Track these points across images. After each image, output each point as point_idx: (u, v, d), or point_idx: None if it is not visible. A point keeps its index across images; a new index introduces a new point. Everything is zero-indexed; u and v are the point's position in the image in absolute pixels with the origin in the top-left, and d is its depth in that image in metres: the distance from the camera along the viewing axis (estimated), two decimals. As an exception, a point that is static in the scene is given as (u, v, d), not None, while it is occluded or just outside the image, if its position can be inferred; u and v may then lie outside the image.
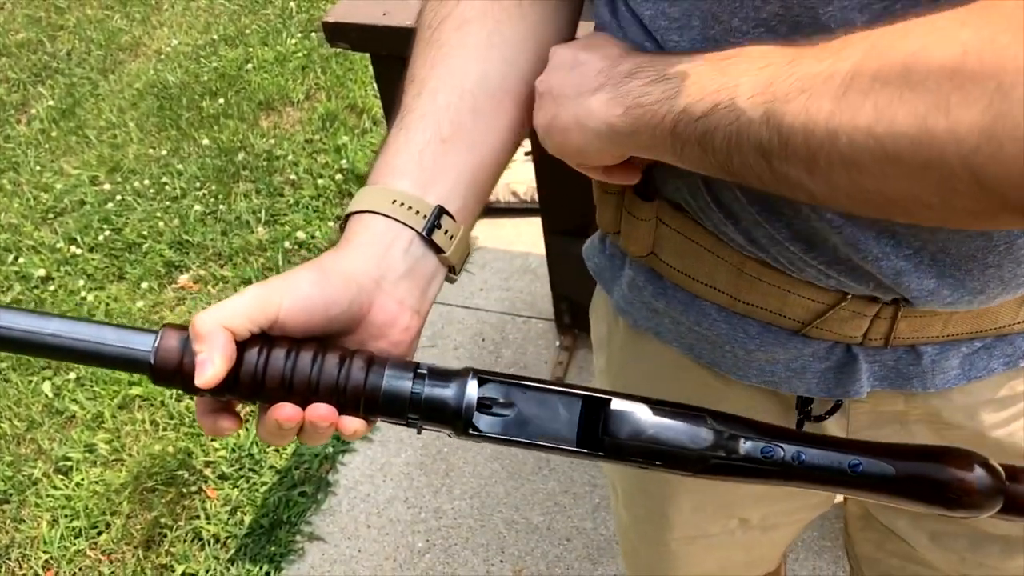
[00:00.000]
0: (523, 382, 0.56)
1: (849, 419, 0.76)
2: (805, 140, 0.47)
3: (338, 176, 2.87)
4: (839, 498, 1.01)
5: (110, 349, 0.55)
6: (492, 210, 2.61)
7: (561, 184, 1.86)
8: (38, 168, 3.16)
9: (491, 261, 2.54)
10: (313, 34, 3.57)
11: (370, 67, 3.31)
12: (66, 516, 2.10)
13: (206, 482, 2.12)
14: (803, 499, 0.92)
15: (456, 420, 0.56)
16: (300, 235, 2.68)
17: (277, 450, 2.16)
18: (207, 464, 2.15)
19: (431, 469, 2.09)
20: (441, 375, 0.57)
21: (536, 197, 2.39)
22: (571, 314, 2.18)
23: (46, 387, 2.38)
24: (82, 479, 2.17)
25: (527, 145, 2.15)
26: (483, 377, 0.56)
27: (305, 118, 3.16)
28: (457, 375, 0.56)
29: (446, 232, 0.62)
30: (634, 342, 0.84)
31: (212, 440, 2.19)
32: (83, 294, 2.62)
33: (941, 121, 0.41)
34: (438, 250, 0.62)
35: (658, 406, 0.56)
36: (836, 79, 0.45)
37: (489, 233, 2.60)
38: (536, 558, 1.89)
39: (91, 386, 2.36)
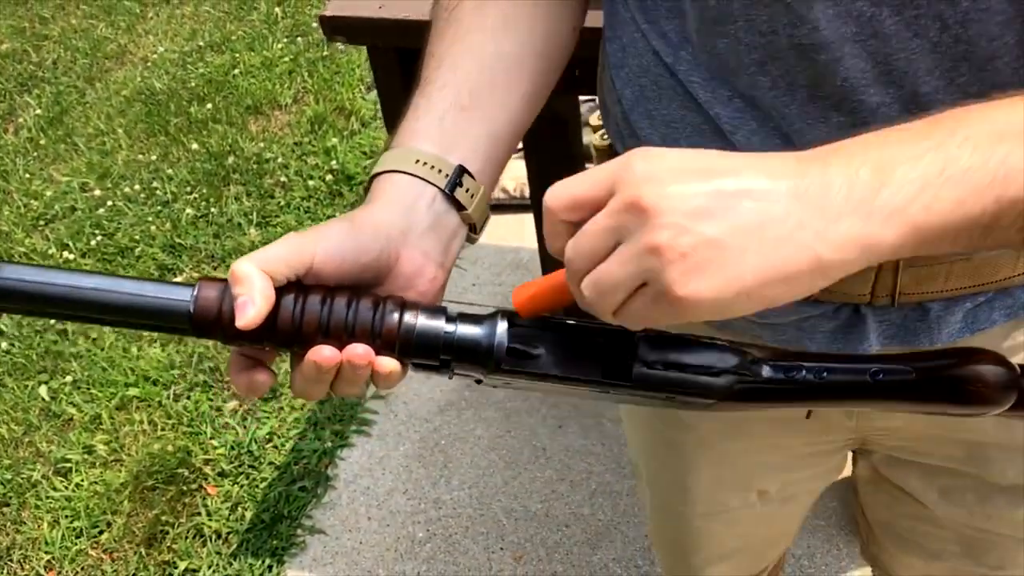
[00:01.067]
0: (551, 319, 0.58)
1: None
2: None
3: (328, 177, 2.89)
4: (848, 469, 1.04)
5: (149, 302, 0.56)
6: (482, 207, 2.63)
7: (551, 176, 1.89)
8: (27, 176, 3.17)
9: (483, 257, 2.57)
10: (299, 38, 3.59)
11: (357, 70, 3.34)
12: (67, 517, 2.11)
13: (206, 479, 2.14)
14: (818, 465, 0.94)
15: (487, 359, 0.58)
16: (292, 236, 2.70)
17: (276, 446, 2.19)
18: (206, 462, 2.17)
19: (429, 461, 2.11)
20: (472, 317, 0.59)
21: (526, 193, 2.43)
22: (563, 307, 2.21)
23: (42, 391, 2.39)
24: (82, 480, 2.18)
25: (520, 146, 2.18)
26: (512, 319, 0.58)
27: (294, 121, 3.19)
28: (488, 317, 0.59)
29: (467, 191, 0.65)
30: None
31: (211, 438, 2.21)
32: (77, 298, 2.63)
33: None
34: (460, 207, 0.65)
35: (682, 337, 0.57)
36: None
37: (480, 230, 2.63)
38: (535, 544, 1.92)
39: (87, 389, 2.38)
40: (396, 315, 0.58)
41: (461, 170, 0.64)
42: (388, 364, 0.58)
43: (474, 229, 0.67)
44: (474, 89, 0.67)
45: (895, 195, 0.46)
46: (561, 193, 0.51)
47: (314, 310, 0.57)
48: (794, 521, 1.08)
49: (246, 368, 0.60)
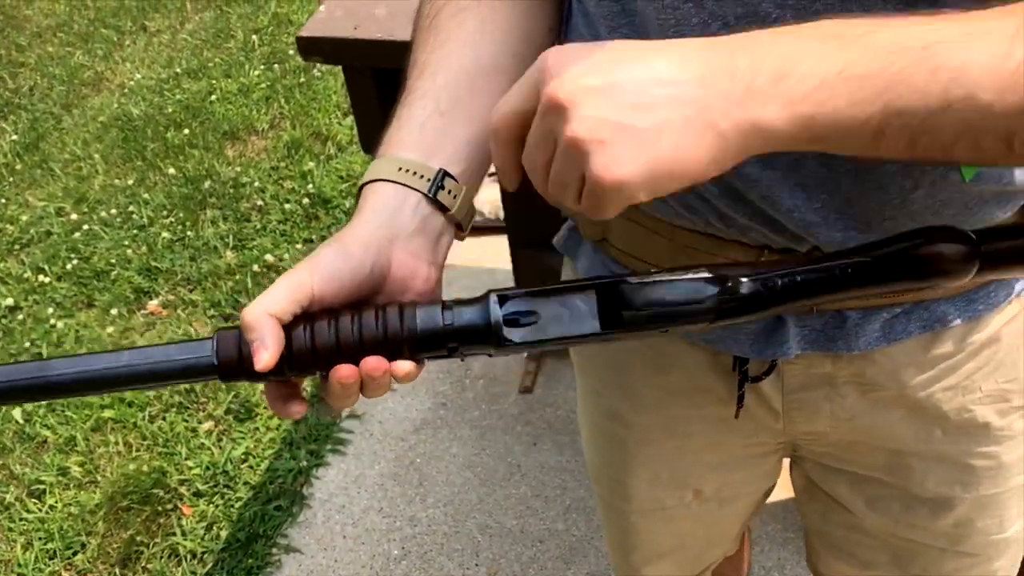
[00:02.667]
0: (539, 288, 0.62)
1: (783, 381, 0.82)
2: None
3: (305, 200, 2.92)
4: (785, 475, 1.06)
5: (179, 364, 0.62)
6: (457, 229, 2.66)
7: (526, 199, 1.93)
8: (3, 201, 3.17)
9: (458, 278, 2.59)
10: (276, 65, 3.63)
11: (334, 96, 3.38)
12: (40, 539, 2.10)
13: (181, 500, 2.14)
14: (753, 468, 0.97)
15: (489, 337, 0.62)
16: (269, 258, 2.72)
17: (251, 466, 2.19)
18: (182, 482, 2.17)
19: (404, 479, 2.13)
20: (465, 303, 0.63)
21: (500, 215, 2.46)
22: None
23: (16, 413, 2.38)
24: (55, 502, 2.17)
25: (491, 167, 2.22)
26: (503, 295, 0.62)
27: (270, 146, 3.21)
28: (479, 300, 0.63)
29: (450, 192, 0.68)
30: None
31: (186, 459, 2.22)
32: (52, 322, 2.64)
33: None
34: (444, 209, 0.68)
35: (663, 274, 0.61)
36: None
37: (455, 252, 2.62)
38: (510, 560, 1.94)
39: (62, 411, 2.37)
40: (397, 320, 0.62)
41: (443, 173, 0.67)
42: (403, 366, 0.62)
43: (461, 227, 0.70)
44: (453, 95, 0.70)
45: (794, 87, 0.49)
46: (500, 111, 0.56)
47: (323, 335, 0.61)
48: (732, 524, 1.10)
49: (281, 398, 0.65)
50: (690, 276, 0.60)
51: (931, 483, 0.85)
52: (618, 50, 0.52)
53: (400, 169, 0.67)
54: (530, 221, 2.01)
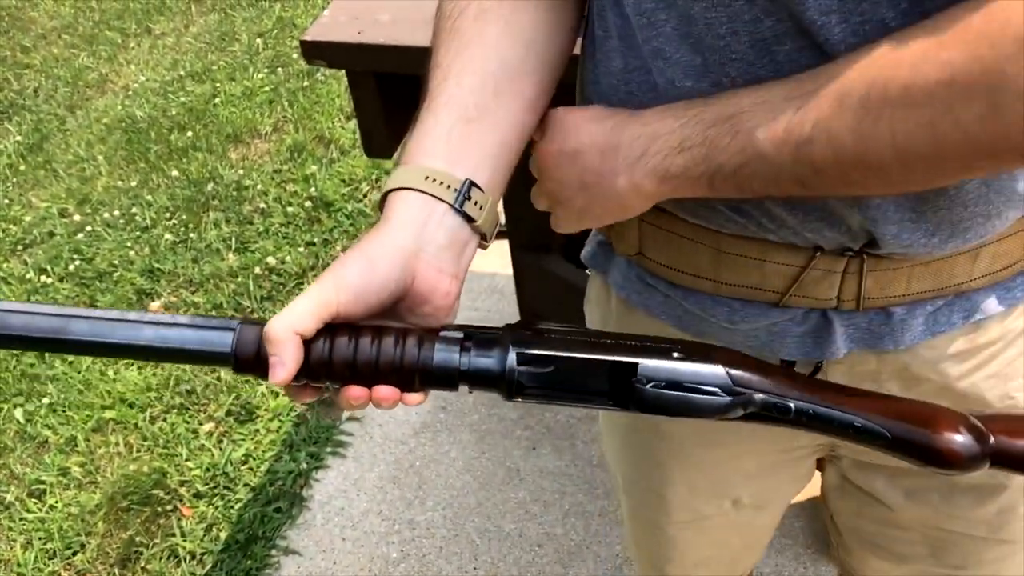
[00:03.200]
0: (559, 353, 0.63)
1: (828, 379, 0.83)
2: (837, 166, 0.58)
3: (307, 204, 2.93)
4: (815, 488, 1.07)
5: (197, 351, 0.64)
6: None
7: (526, 204, 1.94)
8: (6, 202, 3.18)
9: (459, 282, 2.61)
10: (280, 69, 3.64)
11: (337, 100, 3.39)
12: (40, 538, 2.11)
13: (181, 501, 2.15)
14: (789, 472, 0.97)
15: (501, 385, 0.63)
16: (271, 261, 2.73)
17: (251, 468, 2.20)
18: (182, 483, 2.18)
19: (404, 482, 2.13)
20: (484, 344, 0.64)
21: (502, 220, 2.47)
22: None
23: (18, 413, 2.39)
24: (56, 502, 2.18)
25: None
26: (521, 352, 0.63)
27: (273, 149, 3.23)
28: (498, 344, 0.63)
29: (476, 203, 0.67)
30: (627, 316, 0.89)
31: (187, 460, 2.22)
32: (54, 322, 2.64)
33: (949, 123, 0.53)
34: (470, 219, 0.68)
35: (679, 363, 0.62)
36: (848, 115, 0.56)
37: (456, 256, 2.66)
38: (508, 564, 1.94)
39: (63, 411, 2.38)
40: (415, 352, 0.63)
41: (469, 184, 0.67)
42: (413, 398, 0.65)
43: (485, 238, 0.70)
44: (479, 101, 0.70)
45: (649, 160, 0.66)
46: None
47: (341, 353, 0.63)
48: (767, 530, 1.10)
49: (292, 385, 0.66)
50: (707, 382, 0.62)
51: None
52: (576, 116, 0.73)
53: (427, 179, 0.67)
54: (530, 226, 2.01)
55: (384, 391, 0.63)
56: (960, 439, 0.61)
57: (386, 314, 0.66)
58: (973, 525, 0.89)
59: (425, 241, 0.66)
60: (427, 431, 2.24)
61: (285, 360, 0.61)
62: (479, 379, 0.63)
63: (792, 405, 0.62)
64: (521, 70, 0.72)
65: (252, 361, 0.63)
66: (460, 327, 0.65)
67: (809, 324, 0.77)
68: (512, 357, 0.62)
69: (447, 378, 0.63)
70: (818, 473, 1.03)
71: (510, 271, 2.19)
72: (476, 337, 0.64)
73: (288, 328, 0.61)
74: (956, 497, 0.88)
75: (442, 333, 0.64)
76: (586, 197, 0.71)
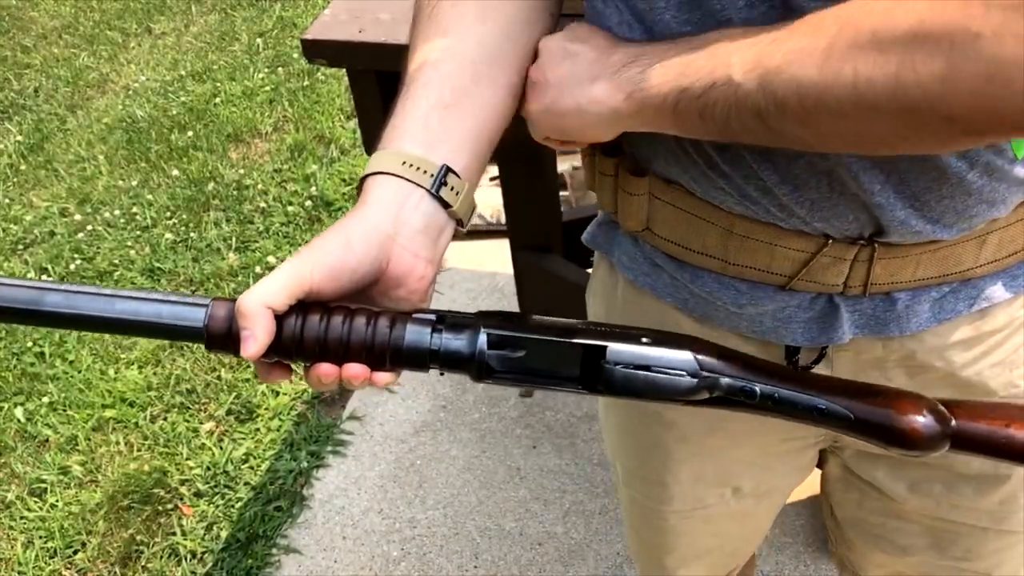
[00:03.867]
0: (530, 335, 0.64)
1: (833, 367, 0.82)
2: (799, 102, 0.57)
3: (307, 203, 2.93)
4: (815, 486, 1.07)
5: (169, 326, 0.64)
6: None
7: (527, 201, 1.94)
8: (7, 201, 3.18)
9: (459, 281, 2.61)
10: (280, 68, 3.65)
11: (337, 99, 3.40)
12: (41, 537, 2.11)
13: (182, 499, 2.15)
14: (791, 462, 0.97)
15: (471, 368, 0.64)
16: (271, 260, 2.73)
17: (252, 467, 2.20)
18: (182, 482, 2.18)
19: (404, 481, 2.13)
20: (456, 327, 0.64)
21: (502, 219, 2.47)
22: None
23: (18, 412, 2.39)
24: (56, 500, 2.18)
25: (493, 171, 2.23)
26: (492, 333, 0.63)
27: (274, 149, 3.23)
28: (469, 327, 0.64)
29: (452, 189, 0.68)
30: (633, 302, 0.89)
31: (187, 459, 2.22)
32: (55, 321, 2.64)
33: (910, 75, 0.52)
34: (446, 205, 0.68)
35: (648, 347, 0.63)
36: (818, 50, 0.55)
37: (457, 255, 2.67)
38: (509, 563, 1.94)
39: (64, 410, 2.39)
40: (387, 331, 0.63)
41: (446, 169, 0.68)
42: (383, 377, 0.64)
43: (461, 223, 0.71)
44: (456, 85, 0.70)
45: (626, 72, 0.66)
46: None
47: (313, 331, 0.62)
48: (766, 519, 1.10)
49: (265, 364, 0.66)
50: (674, 366, 0.63)
51: (977, 460, 0.85)
52: (589, 33, 0.72)
53: (404, 163, 0.67)
54: (531, 225, 2.02)
55: (354, 369, 0.63)
56: (922, 420, 0.62)
57: (359, 297, 0.66)
58: (976, 515, 0.90)
59: (401, 224, 0.67)
60: (427, 430, 2.24)
61: (256, 334, 0.61)
62: (449, 360, 0.64)
63: (758, 389, 0.63)
64: (499, 56, 0.72)
65: (223, 336, 0.63)
66: (433, 311, 0.66)
67: (816, 309, 0.77)
68: (483, 339, 0.63)
69: (418, 358, 0.63)
70: (817, 469, 1.03)
71: (511, 271, 2.19)
72: (448, 320, 0.65)
73: (259, 302, 0.61)
74: (959, 487, 0.88)
75: (415, 315, 0.65)
76: (566, 93, 0.69)
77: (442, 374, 0.65)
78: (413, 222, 0.67)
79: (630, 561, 1.91)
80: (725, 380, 0.63)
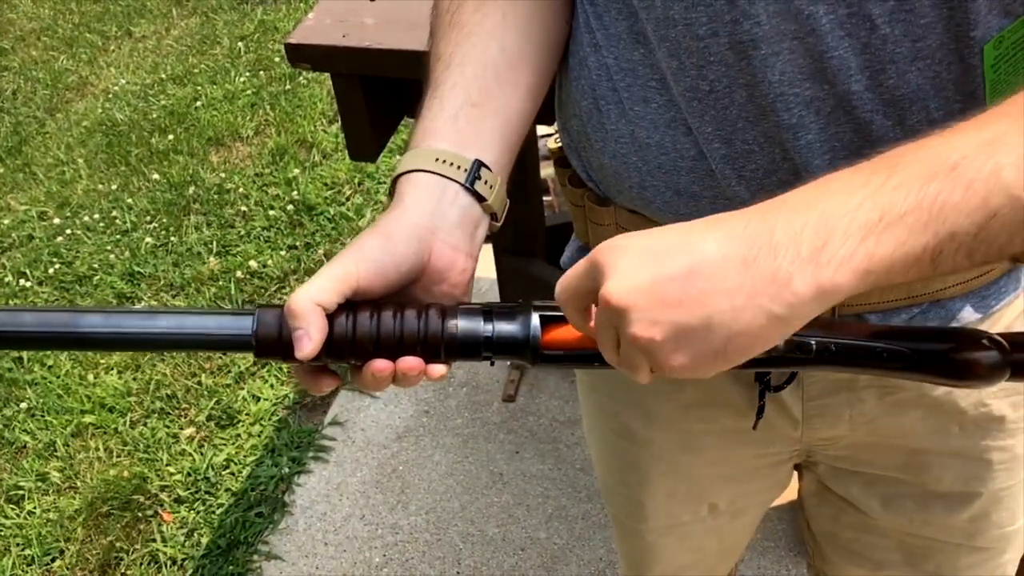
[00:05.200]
0: None
1: (804, 388, 0.83)
2: None
3: (289, 207, 2.92)
4: (793, 490, 1.07)
5: (216, 337, 0.63)
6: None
7: (510, 206, 1.94)
8: (-16, 205, 3.15)
9: (442, 286, 2.60)
10: (262, 72, 3.63)
11: (319, 103, 3.38)
12: (18, 544, 2.09)
13: (162, 506, 2.13)
14: (766, 478, 0.98)
15: (525, 351, 0.63)
16: (252, 264, 2.72)
17: (233, 473, 2.18)
18: (162, 488, 2.16)
19: (387, 487, 2.13)
20: (507, 314, 0.64)
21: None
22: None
23: (-4, 418, 2.37)
24: (34, 507, 2.16)
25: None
26: (544, 315, 0.63)
27: (255, 152, 3.21)
28: (521, 310, 0.64)
29: (486, 182, 0.69)
30: None
31: (167, 465, 2.21)
32: (33, 326, 2.62)
33: None
34: (480, 199, 0.69)
35: None
36: None
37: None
38: (492, 568, 1.94)
39: (42, 416, 2.36)
40: (439, 323, 0.63)
41: (478, 164, 0.69)
42: (438, 369, 0.64)
43: (495, 218, 0.72)
44: (483, 86, 0.71)
45: (839, 248, 0.49)
46: (563, 290, 0.60)
47: (364, 328, 0.62)
48: (744, 535, 1.11)
49: (312, 373, 0.66)
50: None
51: (948, 478, 0.86)
52: (663, 236, 0.55)
53: (437, 160, 0.68)
54: (514, 230, 2.01)
55: (410, 361, 0.62)
56: (982, 352, 0.59)
57: (401, 295, 0.67)
58: (948, 532, 0.90)
59: (440, 219, 0.67)
60: (410, 435, 2.23)
61: (311, 332, 0.60)
62: (504, 346, 0.63)
63: (812, 342, 0.60)
64: (521, 58, 0.74)
65: (274, 342, 0.62)
66: (477, 303, 0.66)
67: None
68: (535, 321, 0.63)
69: (473, 346, 0.63)
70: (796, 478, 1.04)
71: (494, 275, 2.19)
72: (496, 308, 0.65)
73: (310, 300, 0.61)
74: (931, 504, 0.89)
75: (462, 306, 0.65)
76: (723, 331, 0.52)
77: (492, 364, 0.65)
78: (451, 216, 0.68)
79: (612, 566, 1.91)
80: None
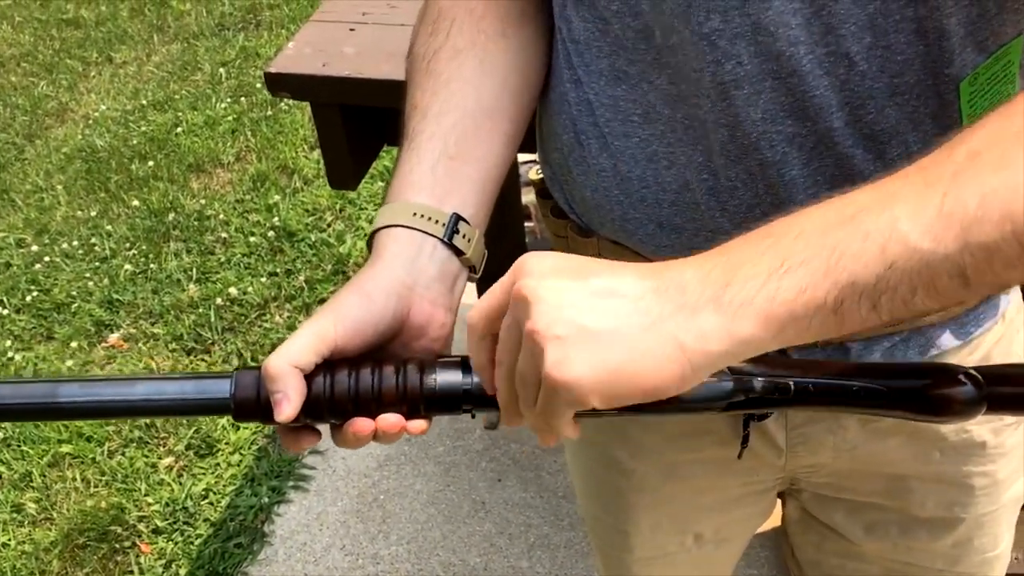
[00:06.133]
0: None
1: (787, 417, 0.83)
2: (1015, 239, 0.46)
3: (270, 234, 2.91)
4: (777, 512, 1.07)
5: (194, 402, 0.63)
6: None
7: (492, 232, 1.94)
8: (-39, 232, 3.12)
9: (423, 313, 2.59)
10: (243, 98, 3.62)
11: (301, 130, 3.38)
12: (-8, 578, 2.05)
13: (140, 537, 2.10)
14: (751, 506, 0.97)
15: None
16: (232, 291, 2.70)
17: (211, 503, 2.16)
18: (140, 519, 2.14)
19: (367, 516, 2.11)
20: None
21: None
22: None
23: (-29, 448, 2.33)
24: (8, 539, 2.13)
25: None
26: None
27: (236, 179, 3.20)
28: None
29: (464, 236, 0.69)
30: None
31: (146, 495, 2.18)
32: (10, 354, 2.59)
33: None
34: (459, 253, 0.69)
35: None
36: (1016, 164, 0.46)
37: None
38: (474, 598, 1.92)
39: (18, 446, 2.33)
40: (417, 378, 0.62)
41: (456, 218, 0.68)
42: (418, 425, 0.63)
43: (474, 270, 0.71)
44: (460, 137, 0.71)
45: (740, 289, 0.50)
46: (477, 308, 0.57)
47: (343, 387, 0.61)
48: (729, 563, 1.11)
49: (291, 433, 0.65)
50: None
51: (931, 504, 0.86)
52: (591, 260, 0.54)
53: (415, 214, 0.68)
54: (496, 255, 2.01)
55: (390, 419, 0.62)
56: (958, 388, 0.59)
57: (382, 351, 0.66)
58: (931, 558, 0.91)
59: (418, 274, 0.67)
60: (391, 464, 2.22)
61: (289, 395, 0.60)
62: (484, 397, 0.62)
63: (791, 384, 0.61)
64: (497, 107, 0.74)
65: (252, 405, 0.62)
66: (456, 355, 0.65)
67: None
68: None
69: (452, 400, 0.62)
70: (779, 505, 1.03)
71: (473, 299, 2.18)
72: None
73: (287, 363, 0.60)
74: (914, 530, 0.89)
75: (440, 359, 0.64)
76: (626, 344, 0.51)
77: (472, 416, 0.64)
78: (429, 272, 0.67)
79: (596, 595, 1.90)
80: (759, 380, 0.61)
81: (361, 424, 0.62)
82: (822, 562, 0.99)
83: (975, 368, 0.61)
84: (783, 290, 0.49)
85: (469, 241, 0.69)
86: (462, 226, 0.69)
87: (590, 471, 1.01)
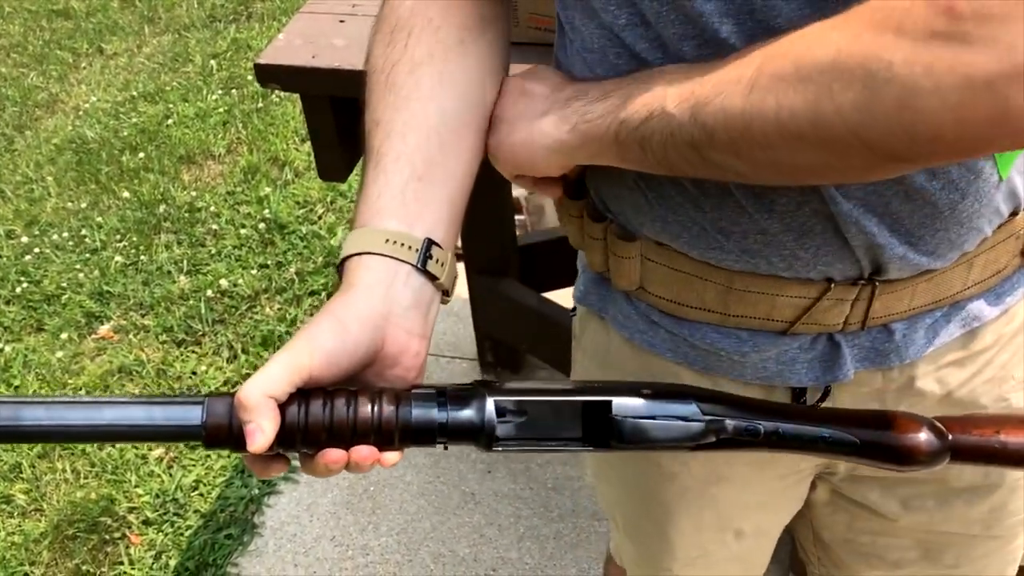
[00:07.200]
0: (533, 396, 0.64)
1: (835, 403, 0.83)
2: (726, 132, 0.59)
3: (260, 226, 2.91)
4: None
5: (164, 429, 0.62)
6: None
7: (483, 225, 1.95)
8: (-49, 223, 3.12)
9: (414, 305, 2.60)
10: (234, 90, 3.62)
11: (292, 121, 3.38)
12: (-18, 568, 2.06)
13: (130, 528, 2.11)
14: (788, 496, 0.97)
15: (481, 437, 0.63)
16: (223, 283, 2.70)
17: (202, 494, 2.16)
18: (130, 510, 2.14)
19: (357, 507, 2.11)
20: (461, 399, 0.63)
21: (457, 244, 2.47)
22: (493, 352, 2.25)
23: (-40, 439, 2.33)
24: (-1, 530, 2.13)
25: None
26: (498, 399, 0.63)
27: (227, 171, 3.20)
28: (474, 396, 0.63)
29: (437, 260, 0.68)
30: (631, 358, 0.89)
31: (136, 486, 2.18)
32: (0, 346, 2.59)
33: (828, 104, 0.53)
34: (432, 277, 0.68)
35: (652, 402, 0.64)
36: (743, 81, 0.57)
37: (411, 279, 2.66)
38: (463, 589, 1.93)
39: (8, 437, 2.33)
40: (393, 411, 0.62)
41: (429, 242, 0.68)
42: (391, 457, 0.63)
43: (447, 293, 0.71)
44: (427, 157, 0.70)
45: (573, 104, 0.69)
46: None
47: (317, 418, 0.61)
48: (765, 556, 1.10)
49: (261, 460, 0.64)
50: (679, 415, 0.63)
51: (968, 473, 0.87)
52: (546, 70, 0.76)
53: (387, 241, 0.67)
54: (487, 249, 2.02)
55: (363, 451, 0.62)
56: (924, 437, 0.65)
57: (356, 380, 0.66)
58: (967, 524, 0.92)
59: (393, 303, 0.66)
60: (381, 455, 2.22)
61: (263, 426, 0.59)
62: (458, 432, 0.63)
63: (761, 427, 0.64)
64: (461, 120, 0.74)
65: (224, 434, 0.61)
66: (430, 385, 0.65)
67: (817, 349, 0.79)
68: (490, 407, 0.63)
69: (427, 433, 0.63)
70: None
71: (466, 295, 2.19)
72: (450, 392, 0.64)
73: (261, 393, 0.59)
74: (951, 500, 0.90)
75: (415, 391, 0.64)
76: (518, 127, 0.73)
77: (446, 448, 0.65)
78: (404, 299, 0.67)
79: (584, 586, 1.91)
80: (730, 422, 0.64)
81: (334, 455, 0.62)
82: (852, 540, 1.00)
83: (937, 418, 0.66)
84: (591, 111, 0.67)
85: (442, 265, 0.68)
86: (435, 250, 0.68)
87: (626, 479, 1.02)
